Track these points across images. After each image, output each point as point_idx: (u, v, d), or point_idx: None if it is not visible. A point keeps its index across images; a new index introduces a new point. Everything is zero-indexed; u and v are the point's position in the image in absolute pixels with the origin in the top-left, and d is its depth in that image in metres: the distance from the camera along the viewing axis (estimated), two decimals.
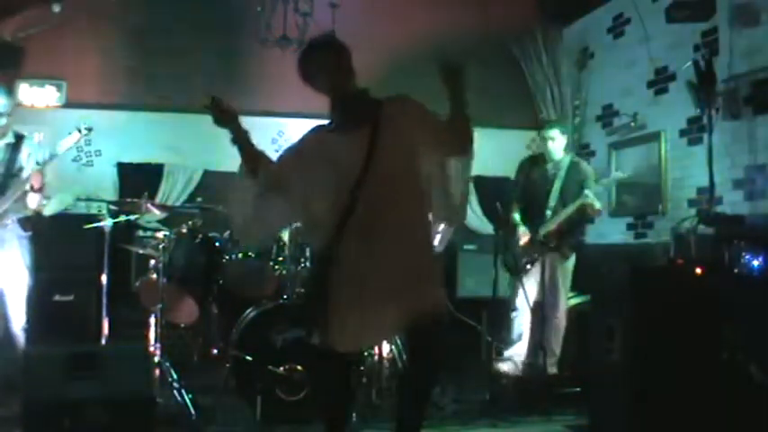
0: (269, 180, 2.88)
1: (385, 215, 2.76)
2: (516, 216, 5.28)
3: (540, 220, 5.14)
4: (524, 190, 5.33)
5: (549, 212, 5.13)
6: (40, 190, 4.42)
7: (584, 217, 5.20)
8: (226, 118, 2.86)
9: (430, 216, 3.02)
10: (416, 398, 2.93)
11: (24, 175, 4.44)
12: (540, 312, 4.97)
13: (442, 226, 3.95)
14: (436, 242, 3.65)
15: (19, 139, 4.52)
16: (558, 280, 5.09)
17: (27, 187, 4.39)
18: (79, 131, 4.43)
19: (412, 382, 2.97)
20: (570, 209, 5.04)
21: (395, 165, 2.79)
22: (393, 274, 2.74)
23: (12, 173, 4.42)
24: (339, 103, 2.89)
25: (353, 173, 2.75)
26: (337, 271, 2.75)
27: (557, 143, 5.23)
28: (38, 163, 4.42)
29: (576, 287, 5.36)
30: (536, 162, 5.37)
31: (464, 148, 2.94)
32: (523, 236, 5.16)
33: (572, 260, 5.20)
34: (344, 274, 2.74)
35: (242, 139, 2.88)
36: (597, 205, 5.04)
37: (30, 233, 4.52)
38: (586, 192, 4.97)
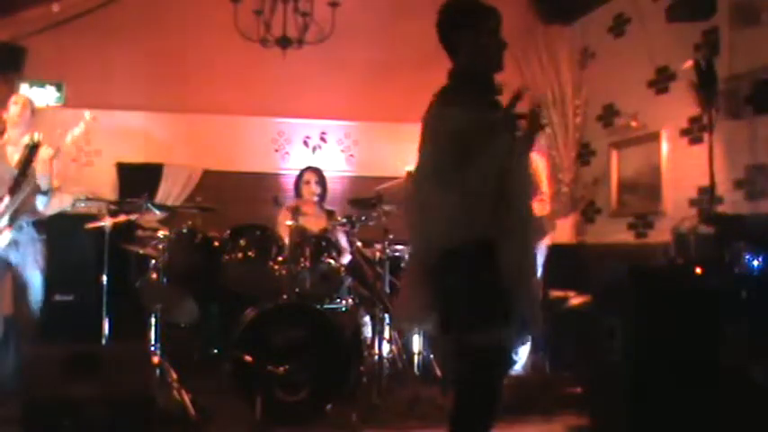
0: None
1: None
2: None
3: None
4: None
5: None
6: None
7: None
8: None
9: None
10: None
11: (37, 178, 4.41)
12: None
13: None
14: None
15: (37, 143, 4.41)
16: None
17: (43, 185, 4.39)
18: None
19: None
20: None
21: None
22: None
23: (26, 174, 4.40)
24: None
25: None
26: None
27: None
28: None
29: (577, 287, 5.35)
30: None
31: None
32: None
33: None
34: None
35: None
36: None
37: (44, 236, 4.52)
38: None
